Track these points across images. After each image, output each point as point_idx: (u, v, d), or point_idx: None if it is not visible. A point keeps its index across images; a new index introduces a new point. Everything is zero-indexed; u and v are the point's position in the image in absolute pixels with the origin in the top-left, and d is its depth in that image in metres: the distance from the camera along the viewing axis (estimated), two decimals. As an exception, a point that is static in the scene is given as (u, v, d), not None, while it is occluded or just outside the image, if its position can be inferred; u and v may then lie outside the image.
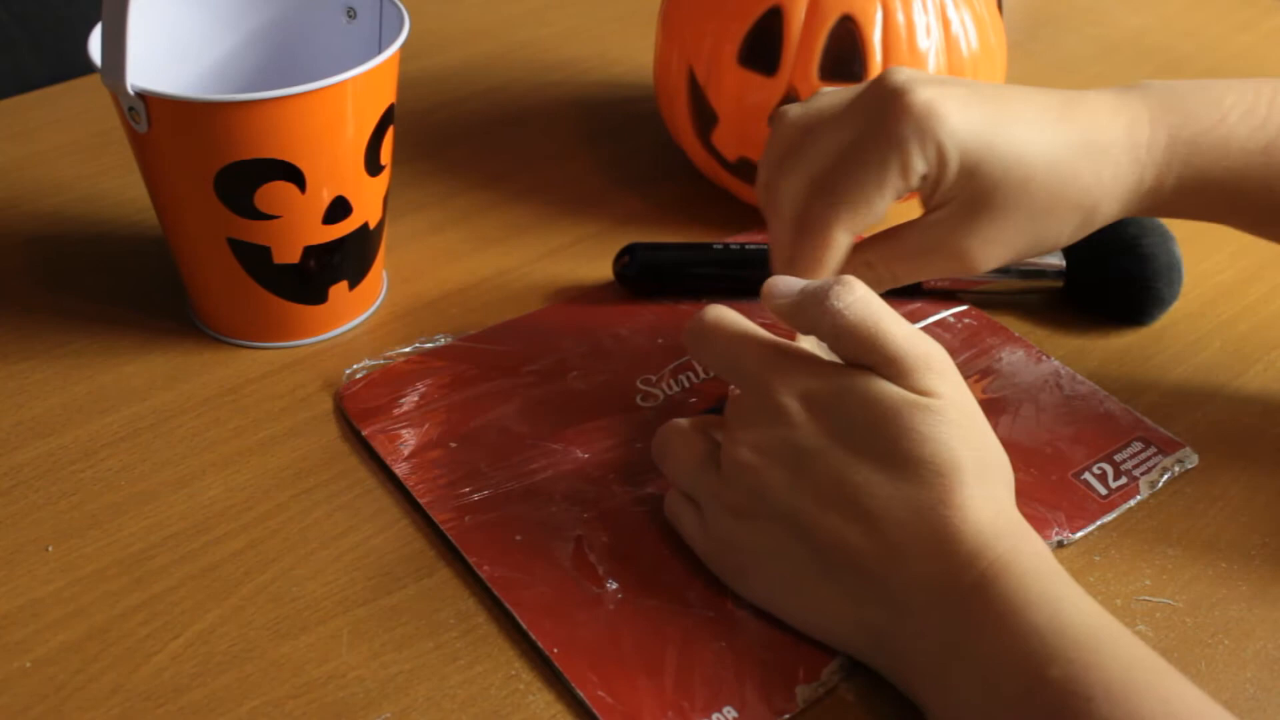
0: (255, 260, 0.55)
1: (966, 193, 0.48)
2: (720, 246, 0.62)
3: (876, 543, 0.42)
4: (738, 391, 0.47)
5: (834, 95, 0.50)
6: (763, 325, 0.47)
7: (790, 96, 0.61)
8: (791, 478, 0.44)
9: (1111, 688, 0.37)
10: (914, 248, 0.50)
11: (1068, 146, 0.48)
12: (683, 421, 0.49)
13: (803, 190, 0.49)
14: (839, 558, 0.43)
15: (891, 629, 0.42)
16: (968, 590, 0.40)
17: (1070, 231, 0.50)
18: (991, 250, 0.49)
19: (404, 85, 0.58)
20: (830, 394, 0.43)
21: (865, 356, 0.43)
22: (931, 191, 0.48)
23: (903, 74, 0.48)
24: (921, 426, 0.42)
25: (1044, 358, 0.58)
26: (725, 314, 0.47)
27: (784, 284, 0.47)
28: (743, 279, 0.62)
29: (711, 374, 0.57)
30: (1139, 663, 0.38)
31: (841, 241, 0.48)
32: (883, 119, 0.47)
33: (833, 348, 0.45)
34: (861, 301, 0.44)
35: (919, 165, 0.47)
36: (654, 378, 0.57)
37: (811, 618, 0.45)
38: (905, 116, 0.46)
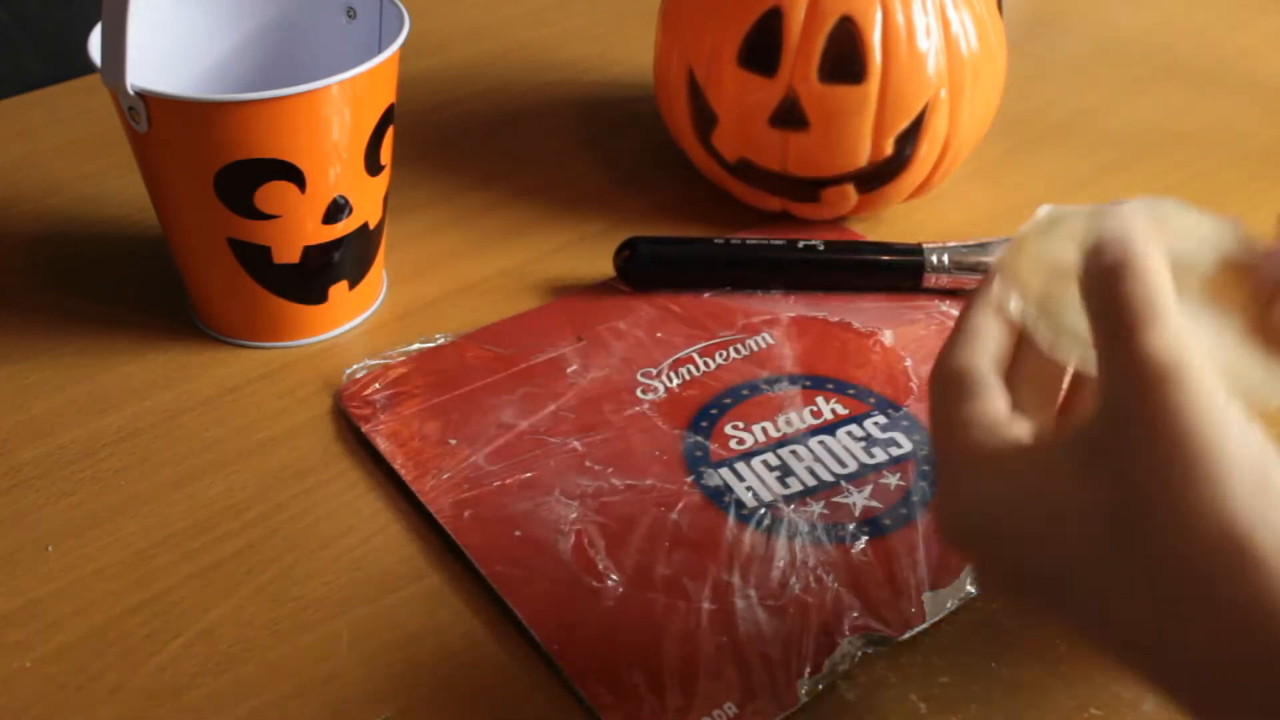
0: (255, 260, 0.55)
1: None
2: (722, 241, 0.62)
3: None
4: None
5: None
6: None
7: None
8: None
9: None
10: None
11: None
12: (964, 369, 0.37)
13: None
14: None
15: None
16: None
17: None
18: None
19: (404, 85, 0.58)
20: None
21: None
22: None
23: None
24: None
25: (1044, 357, 0.58)
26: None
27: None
28: (744, 274, 0.62)
29: (714, 367, 0.57)
30: None
31: None
32: None
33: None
34: None
35: None
36: (654, 371, 0.57)
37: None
38: None
